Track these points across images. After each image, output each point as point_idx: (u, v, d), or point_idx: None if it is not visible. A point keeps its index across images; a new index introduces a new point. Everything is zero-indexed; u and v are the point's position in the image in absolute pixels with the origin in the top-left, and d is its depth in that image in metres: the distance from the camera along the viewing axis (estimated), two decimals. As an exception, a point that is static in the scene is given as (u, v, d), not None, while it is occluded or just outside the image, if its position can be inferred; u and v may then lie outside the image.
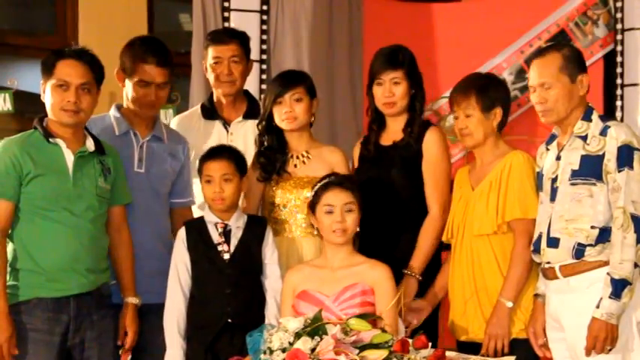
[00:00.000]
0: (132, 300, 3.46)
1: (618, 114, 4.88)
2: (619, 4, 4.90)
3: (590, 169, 3.20)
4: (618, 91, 4.90)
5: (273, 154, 3.74)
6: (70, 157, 3.30)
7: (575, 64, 3.29)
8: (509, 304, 3.34)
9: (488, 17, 5.03)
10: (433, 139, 3.65)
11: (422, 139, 3.66)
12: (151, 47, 3.66)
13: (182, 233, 3.53)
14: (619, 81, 4.90)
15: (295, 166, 3.74)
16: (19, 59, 5.24)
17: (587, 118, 3.27)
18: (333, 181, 3.44)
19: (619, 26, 4.91)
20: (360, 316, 3.09)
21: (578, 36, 4.97)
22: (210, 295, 3.45)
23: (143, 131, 3.69)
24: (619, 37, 4.90)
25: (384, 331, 3.05)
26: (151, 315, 3.52)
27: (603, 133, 3.21)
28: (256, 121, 3.87)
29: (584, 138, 3.24)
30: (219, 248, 3.47)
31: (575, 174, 3.23)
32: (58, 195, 3.27)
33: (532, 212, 3.37)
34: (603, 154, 3.18)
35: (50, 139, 3.29)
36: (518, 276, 3.34)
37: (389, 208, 3.63)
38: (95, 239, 3.36)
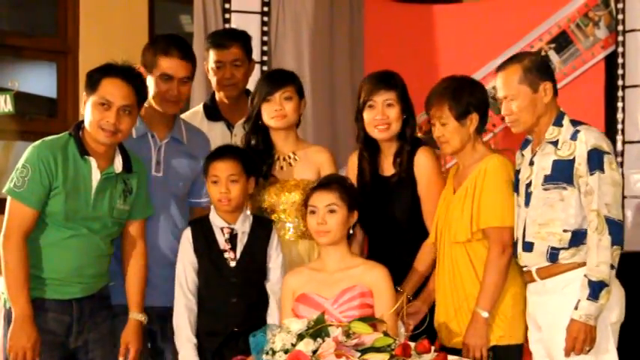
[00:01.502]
0: (137, 317, 3.44)
1: (619, 115, 4.89)
2: (620, 6, 4.91)
3: (562, 173, 3.24)
4: (619, 93, 4.90)
5: (259, 157, 3.70)
6: (96, 177, 3.28)
7: (536, 73, 3.31)
8: (485, 315, 3.34)
9: (489, 19, 5.05)
10: (423, 163, 3.61)
11: (412, 164, 3.62)
12: (173, 41, 3.64)
13: (188, 233, 3.52)
14: (620, 82, 4.91)
15: (282, 168, 3.73)
16: (20, 60, 5.22)
17: (558, 123, 3.31)
18: (319, 182, 3.46)
19: (620, 27, 4.90)
20: (362, 319, 3.11)
21: (580, 37, 4.98)
22: (216, 303, 3.47)
23: (161, 132, 3.63)
24: (620, 38, 4.90)
25: (386, 334, 3.05)
26: (171, 318, 3.52)
27: (573, 137, 3.25)
28: None
29: (555, 143, 3.28)
30: (226, 255, 3.48)
31: (547, 179, 3.27)
32: (76, 214, 3.27)
33: (509, 220, 3.37)
34: (574, 159, 3.22)
35: (84, 156, 3.27)
36: (493, 285, 3.34)
37: (396, 243, 3.63)
38: (103, 252, 3.38)
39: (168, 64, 3.56)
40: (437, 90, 3.49)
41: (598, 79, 4.97)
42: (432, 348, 3.03)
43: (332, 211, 3.37)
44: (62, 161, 3.23)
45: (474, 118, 3.44)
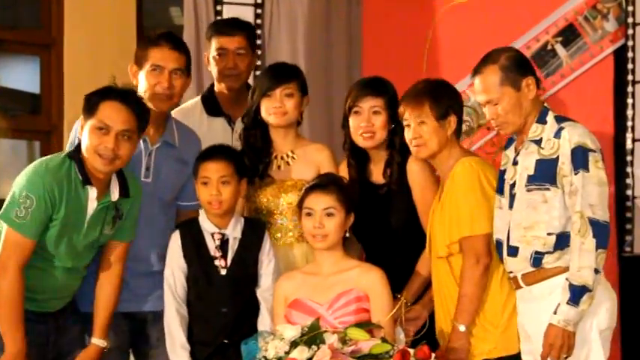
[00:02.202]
0: (99, 342, 3.40)
1: (629, 112, 4.84)
2: (630, -3, 4.90)
3: (545, 173, 3.20)
4: (629, 88, 4.85)
5: (256, 155, 3.68)
6: (92, 207, 3.25)
7: (516, 70, 3.27)
8: (462, 328, 3.30)
9: (493, 11, 4.96)
10: (415, 170, 3.56)
11: (404, 172, 3.58)
12: (165, 33, 3.61)
13: (177, 237, 3.49)
14: (630, 77, 4.85)
15: (279, 167, 3.69)
16: (2, 54, 5.21)
17: (541, 120, 3.27)
18: (316, 183, 3.42)
19: (630, 20, 4.84)
20: (359, 325, 3.12)
21: (588, 30, 4.89)
22: (206, 313, 3.45)
23: (153, 136, 3.57)
24: (630, 31, 4.82)
25: (384, 340, 3.05)
26: (159, 322, 3.54)
27: (557, 135, 3.20)
28: None
29: (539, 142, 3.24)
30: (216, 263, 3.45)
31: (530, 179, 3.23)
32: (66, 246, 3.25)
33: (479, 227, 3.33)
34: (557, 158, 3.18)
35: (86, 185, 3.23)
36: (468, 297, 3.30)
37: (393, 252, 3.60)
38: (82, 274, 3.38)
39: (158, 54, 3.51)
40: (413, 90, 3.46)
41: (607, 74, 4.87)
42: (433, 355, 3.03)
43: (330, 215, 3.34)
44: (66, 191, 3.19)
45: (452, 121, 3.41)
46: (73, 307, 3.43)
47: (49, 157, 3.31)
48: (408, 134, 3.43)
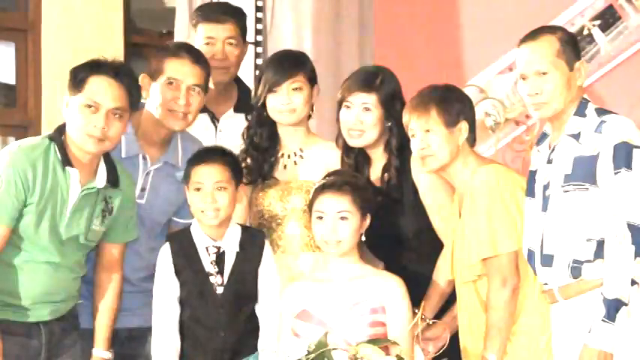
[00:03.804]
0: (102, 354, 3.41)
1: (677, 106, 4.81)
2: (679, -26, 4.81)
3: (584, 172, 3.13)
4: (677, 79, 4.77)
5: (261, 154, 3.66)
6: (75, 192, 3.23)
7: (573, 49, 3.25)
8: (492, 358, 3.25)
9: (522, -8, 4.93)
10: (420, 169, 3.48)
11: (404, 177, 3.53)
12: (186, 45, 3.66)
13: (167, 252, 3.45)
14: (679, 67, 4.79)
15: (285, 167, 3.67)
16: (-24, 39, 5.25)
17: (580, 112, 3.21)
18: (328, 183, 3.36)
19: (680, 1, 4.87)
20: (373, 342, 3.08)
21: (629, 12, 4.91)
22: (201, 335, 3.42)
23: (154, 154, 3.56)
24: (679, 13, 4.80)
25: (400, 359, 3.01)
26: (143, 339, 3.57)
27: (599, 129, 3.14)
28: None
29: (577, 137, 3.18)
30: (212, 280, 3.41)
31: (568, 179, 3.17)
32: (48, 234, 3.21)
33: (503, 246, 3.27)
34: (598, 155, 3.12)
35: (66, 167, 3.23)
36: (497, 324, 3.26)
37: (412, 262, 3.56)
38: (74, 275, 3.35)
39: (177, 66, 3.51)
40: (418, 97, 3.42)
41: (651, 62, 4.81)
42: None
43: (344, 219, 3.30)
44: (42, 174, 3.18)
45: (463, 128, 3.37)
46: (75, 323, 3.42)
47: (26, 138, 3.31)
48: (414, 145, 3.38)
